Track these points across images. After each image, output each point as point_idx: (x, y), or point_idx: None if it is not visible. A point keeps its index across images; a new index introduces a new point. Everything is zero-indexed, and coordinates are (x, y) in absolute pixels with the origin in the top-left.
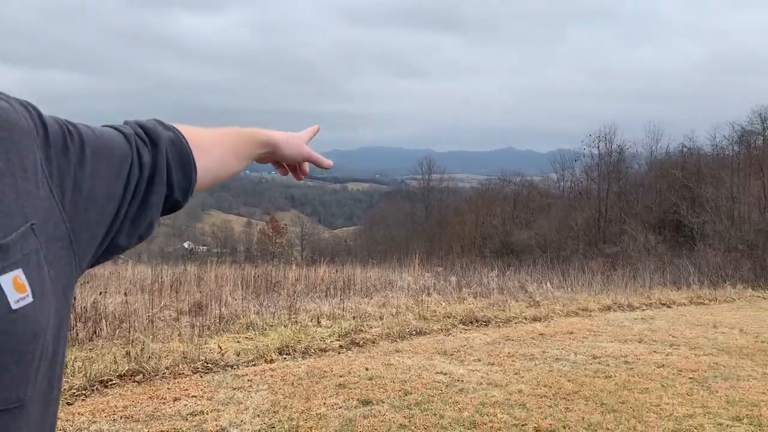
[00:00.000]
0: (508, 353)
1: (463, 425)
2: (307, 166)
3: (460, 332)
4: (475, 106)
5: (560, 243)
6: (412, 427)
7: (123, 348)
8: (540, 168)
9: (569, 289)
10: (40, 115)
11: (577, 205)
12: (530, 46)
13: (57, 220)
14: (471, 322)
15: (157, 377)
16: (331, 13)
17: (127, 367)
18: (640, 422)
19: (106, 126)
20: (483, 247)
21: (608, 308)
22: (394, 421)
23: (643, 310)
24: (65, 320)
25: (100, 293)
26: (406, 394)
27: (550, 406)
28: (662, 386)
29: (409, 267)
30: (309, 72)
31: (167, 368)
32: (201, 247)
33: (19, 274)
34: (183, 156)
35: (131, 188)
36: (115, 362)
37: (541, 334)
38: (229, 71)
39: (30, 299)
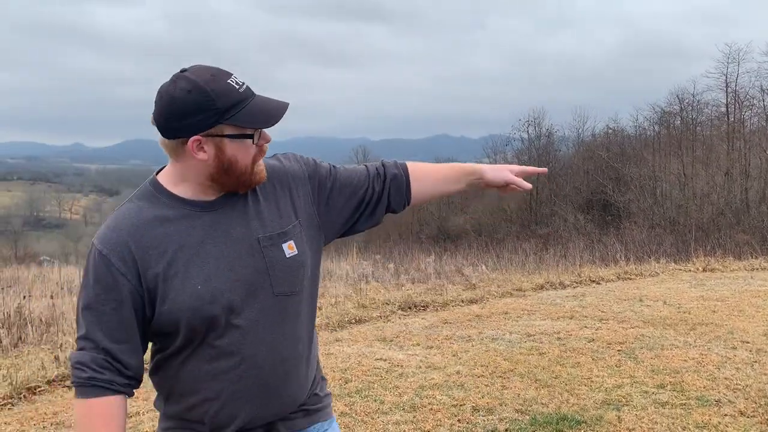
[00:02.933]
0: (446, 336)
1: (403, 409)
2: (514, 186)
3: (399, 318)
4: (408, 94)
5: (494, 226)
6: (353, 414)
7: (51, 353)
8: (473, 154)
9: (504, 270)
10: (316, 162)
11: None
12: (454, 34)
13: (314, 218)
14: (409, 308)
15: None
16: (252, 3)
17: (56, 372)
18: (572, 395)
19: (364, 165)
20: (420, 233)
21: (541, 287)
22: (335, 410)
23: (574, 287)
24: (317, 263)
25: (24, 297)
26: (346, 382)
27: (487, 385)
28: (593, 359)
29: (347, 256)
30: (232, 62)
31: None
32: None
33: (291, 242)
34: (399, 185)
35: (364, 203)
36: (43, 368)
37: (477, 316)
38: (149, 62)
39: (296, 252)
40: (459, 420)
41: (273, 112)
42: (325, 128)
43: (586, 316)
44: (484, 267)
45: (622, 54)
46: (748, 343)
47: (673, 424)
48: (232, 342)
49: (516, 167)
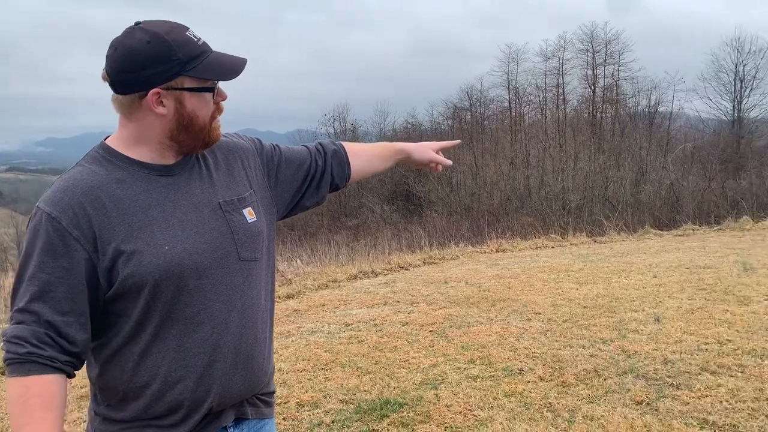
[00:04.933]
0: None
1: None
2: (437, 165)
3: None
4: None
5: (306, 220)
6: None
7: None
8: None
9: (318, 263)
10: (260, 140)
11: None
12: (251, 28)
13: (265, 189)
14: None
15: None
16: None
17: None
18: (393, 379)
19: (304, 145)
20: None
21: (355, 277)
22: None
23: (385, 275)
24: (272, 237)
25: None
26: None
27: (310, 379)
28: (408, 342)
29: None
30: (2, 51)
31: None
32: None
33: (250, 209)
34: (341, 159)
35: (309, 177)
36: None
37: (295, 311)
38: None
39: (255, 219)
40: (284, 418)
41: (233, 65)
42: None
43: (398, 301)
44: (299, 261)
45: (413, 52)
46: (540, 314)
47: (485, 395)
48: (202, 308)
49: (435, 144)
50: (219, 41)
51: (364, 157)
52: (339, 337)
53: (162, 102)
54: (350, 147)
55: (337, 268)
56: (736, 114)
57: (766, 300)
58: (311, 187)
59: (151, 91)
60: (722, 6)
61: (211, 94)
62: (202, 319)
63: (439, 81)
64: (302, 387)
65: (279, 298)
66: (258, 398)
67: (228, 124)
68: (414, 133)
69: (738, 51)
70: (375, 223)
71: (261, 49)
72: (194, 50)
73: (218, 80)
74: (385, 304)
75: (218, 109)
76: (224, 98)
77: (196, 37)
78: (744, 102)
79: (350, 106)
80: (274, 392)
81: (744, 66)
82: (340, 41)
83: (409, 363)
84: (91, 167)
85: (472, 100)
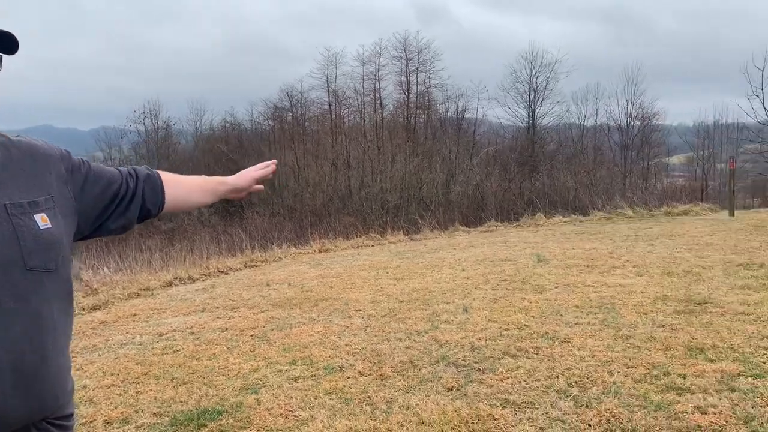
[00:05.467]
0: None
1: None
2: (259, 185)
3: None
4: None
5: None
6: None
7: None
8: (84, 146)
9: (128, 270)
10: (67, 152)
11: None
12: (42, 14)
13: (68, 199)
14: None
15: None
16: None
17: None
18: (211, 387)
19: (116, 168)
20: None
21: (170, 284)
22: None
23: (203, 280)
24: (69, 242)
25: None
26: None
27: (120, 394)
28: (228, 348)
29: None
30: None
31: None
32: None
33: (44, 215)
34: (154, 185)
35: (119, 198)
36: None
37: (102, 323)
38: None
39: (50, 226)
40: None
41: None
42: None
43: (217, 307)
44: (106, 269)
45: (231, 49)
46: (360, 311)
47: (306, 395)
48: None
49: (253, 169)
50: (12, 27)
51: (184, 187)
52: (152, 348)
53: None
54: (168, 176)
55: (149, 275)
56: (530, 121)
57: (555, 288)
58: (119, 209)
59: None
60: (518, 23)
61: None
62: None
63: (259, 81)
64: (111, 403)
65: (83, 309)
66: (50, 423)
67: (21, 121)
68: (233, 132)
69: (532, 64)
70: (192, 226)
71: (60, 40)
72: None
73: None
74: (203, 311)
75: None
76: None
77: None
78: (537, 110)
79: (163, 103)
80: (71, 414)
81: (537, 78)
82: (151, 35)
83: (229, 370)
84: None
85: (292, 101)
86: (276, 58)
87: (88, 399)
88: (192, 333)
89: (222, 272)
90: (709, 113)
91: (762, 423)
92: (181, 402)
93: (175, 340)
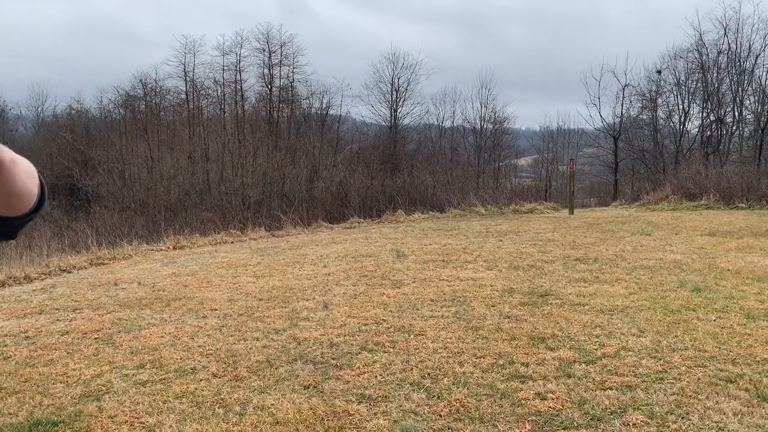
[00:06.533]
0: None
1: None
2: None
3: None
4: None
5: None
6: None
7: None
8: None
9: None
10: None
11: None
12: None
13: None
14: None
15: None
16: None
17: None
18: (46, 396)
19: None
20: None
21: (2, 284)
22: None
23: (42, 279)
24: None
25: None
26: None
27: None
28: (68, 353)
29: None
30: None
31: None
32: None
33: None
34: None
35: None
36: None
37: None
38: None
39: None
40: None
41: None
42: None
43: (57, 309)
44: None
45: (74, 32)
46: (216, 310)
47: (154, 400)
48: None
49: None
50: None
51: None
52: None
53: None
54: None
55: None
56: (392, 120)
57: (413, 282)
58: None
59: None
60: (380, 23)
61: None
62: None
63: (108, 66)
64: None
65: None
66: None
67: None
68: (79, 120)
69: (394, 65)
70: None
71: None
72: None
73: None
74: (40, 313)
75: None
76: None
77: None
78: (399, 110)
79: None
80: None
81: (399, 78)
82: None
83: (68, 376)
84: None
85: (146, 89)
86: (127, 43)
87: None
88: (27, 337)
89: (64, 271)
90: (554, 119)
91: (593, 405)
92: (10, 414)
93: (5, 345)
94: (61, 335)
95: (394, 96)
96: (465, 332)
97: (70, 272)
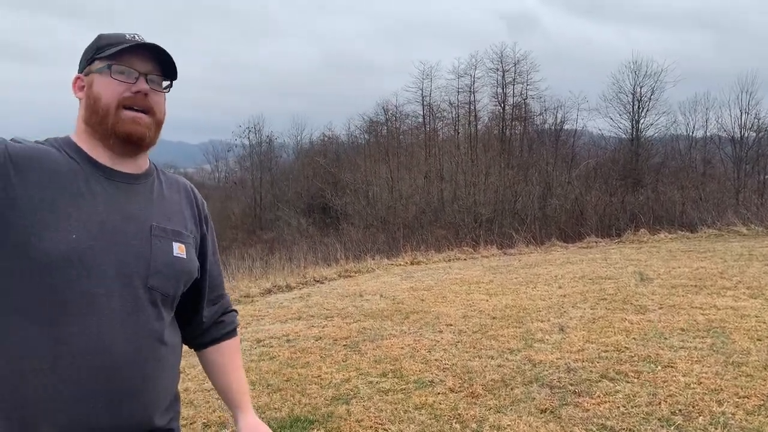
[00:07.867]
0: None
1: None
2: None
3: None
4: None
5: (220, 233)
6: None
7: None
8: (193, 159)
9: (231, 278)
10: (203, 201)
11: (233, 194)
12: (159, 38)
13: (197, 241)
14: None
15: None
16: None
17: None
18: (304, 396)
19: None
20: None
21: (269, 291)
22: None
23: (300, 288)
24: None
25: None
26: None
27: (218, 399)
28: (321, 357)
29: None
30: None
31: None
32: None
33: (182, 245)
34: (220, 331)
35: (202, 287)
36: None
37: None
38: None
39: (185, 257)
40: None
41: (141, 45)
42: (22, 126)
43: (312, 316)
44: None
45: (326, 66)
46: (451, 325)
47: (396, 409)
48: (86, 325)
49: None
50: None
51: (226, 356)
52: (250, 354)
53: (82, 87)
54: (231, 344)
55: (250, 283)
56: (634, 132)
57: (659, 308)
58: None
59: (74, 77)
60: (614, 32)
61: (110, 70)
62: (84, 330)
63: (355, 96)
64: (209, 407)
65: None
66: None
67: None
68: (331, 145)
69: (635, 74)
70: (291, 236)
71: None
72: (115, 39)
73: (110, 55)
74: (299, 319)
75: (134, 98)
76: (142, 90)
77: (132, 35)
78: (641, 122)
79: (267, 117)
80: (170, 430)
81: (641, 88)
82: (250, 54)
83: (322, 378)
84: (47, 148)
85: (387, 114)
86: (370, 74)
87: (189, 401)
88: (288, 340)
89: (318, 281)
90: None
91: None
92: (275, 409)
93: (272, 347)
94: (316, 340)
95: (636, 106)
96: (724, 367)
97: (323, 283)
